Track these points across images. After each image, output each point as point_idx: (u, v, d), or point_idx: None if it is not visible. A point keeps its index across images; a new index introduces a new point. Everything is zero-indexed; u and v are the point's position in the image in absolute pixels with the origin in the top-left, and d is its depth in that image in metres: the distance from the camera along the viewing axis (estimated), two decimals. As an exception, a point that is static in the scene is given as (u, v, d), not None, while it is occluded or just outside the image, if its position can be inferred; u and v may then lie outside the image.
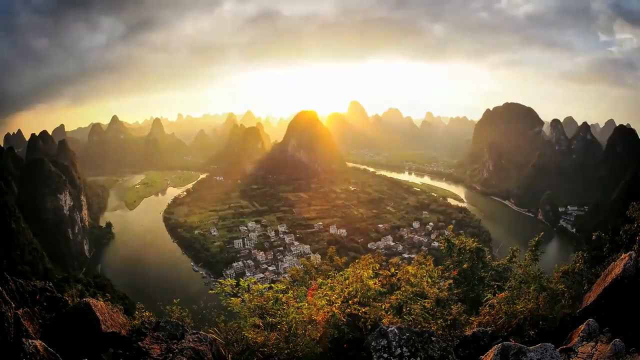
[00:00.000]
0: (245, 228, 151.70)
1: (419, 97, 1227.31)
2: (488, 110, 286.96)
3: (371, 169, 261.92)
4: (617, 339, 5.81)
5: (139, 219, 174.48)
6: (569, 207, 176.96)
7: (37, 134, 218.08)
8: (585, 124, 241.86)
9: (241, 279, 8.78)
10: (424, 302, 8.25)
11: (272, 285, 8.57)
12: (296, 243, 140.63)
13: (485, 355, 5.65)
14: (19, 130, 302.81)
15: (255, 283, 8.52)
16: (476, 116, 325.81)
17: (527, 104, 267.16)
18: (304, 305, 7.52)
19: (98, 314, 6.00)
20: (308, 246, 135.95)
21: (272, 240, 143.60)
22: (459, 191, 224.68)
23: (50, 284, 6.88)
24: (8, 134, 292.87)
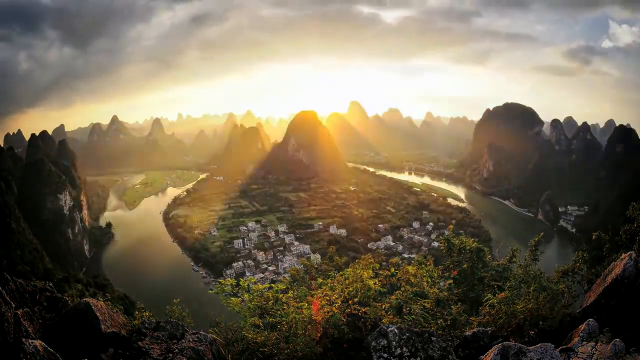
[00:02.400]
0: (245, 228, 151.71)
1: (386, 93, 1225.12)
2: (488, 110, 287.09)
3: (371, 169, 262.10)
4: (617, 339, 5.81)
5: (139, 219, 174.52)
6: (569, 207, 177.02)
7: (37, 134, 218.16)
8: (585, 124, 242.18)
9: (241, 279, 8.77)
10: (424, 302, 8.25)
11: (272, 285, 8.58)
12: (296, 243, 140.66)
13: (485, 355, 5.65)
14: (19, 130, 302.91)
15: (255, 283, 8.52)
16: (476, 116, 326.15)
17: (516, 101, 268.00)
18: (304, 305, 7.52)
19: (98, 314, 6.00)
20: (308, 246, 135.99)
21: (272, 240, 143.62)
22: (459, 191, 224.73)
23: (50, 284, 6.87)
24: (8, 134, 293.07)
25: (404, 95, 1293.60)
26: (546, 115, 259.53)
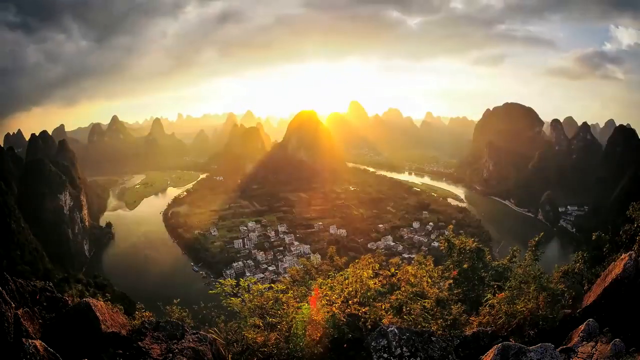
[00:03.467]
0: (245, 228, 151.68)
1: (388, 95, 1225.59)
2: (488, 110, 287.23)
3: (371, 169, 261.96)
4: (617, 339, 5.80)
5: (139, 219, 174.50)
6: (569, 207, 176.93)
7: (37, 134, 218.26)
8: (585, 124, 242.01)
9: (241, 279, 8.78)
10: (424, 302, 8.25)
11: (272, 285, 8.58)
12: (296, 243, 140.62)
13: (485, 355, 5.65)
14: (19, 130, 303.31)
15: (255, 283, 8.53)
16: (476, 116, 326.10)
17: (520, 102, 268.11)
18: (304, 305, 7.52)
19: (98, 314, 6.00)
20: (308, 246, 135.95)
21: (272, 240, 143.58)
22: (459, 191, 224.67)
23: (50, 284, 6.88)
24: (8, 134, 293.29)
25: (410, 94, 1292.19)
26: (552, 116, 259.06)
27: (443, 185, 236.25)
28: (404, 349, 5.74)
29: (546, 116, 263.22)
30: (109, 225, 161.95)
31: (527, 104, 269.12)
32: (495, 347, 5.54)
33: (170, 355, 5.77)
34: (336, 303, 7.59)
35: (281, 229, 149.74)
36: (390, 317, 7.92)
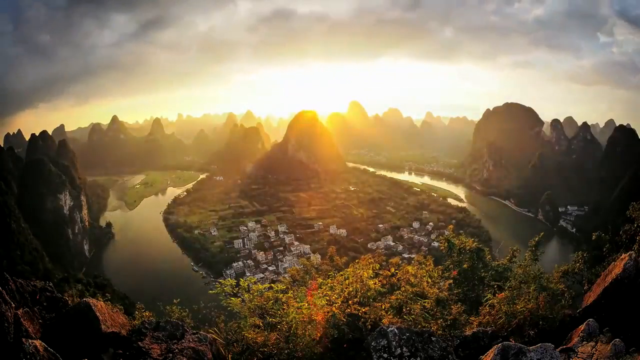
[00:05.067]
0: (245, 228, 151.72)
1: (423, 97, 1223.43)
2: (488, 110, 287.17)
3: (371, 169, 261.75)
4: (617, 339, 5.81)
5: (139, 219, 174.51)
6: (569, 207, 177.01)
7: (37, 134, 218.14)
8: (585, 124, 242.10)
9: (241, 279, 8.77)
10: (424, 302, 8.25)
11: (272, 285, 8.57)
12: (296, 243, 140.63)
13: (485, 355, 5.65)
14: (19, 130, 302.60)
15: (255, 283, 8.52)
16: (476, 116, 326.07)
17: (530, 104, 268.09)
18: (304, 305, 7.52)
19: (98, 314, 6.00)
20: (308, 246, 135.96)
21: (272, 240, 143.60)
22: (459, 191, 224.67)
23: (50, 284, 6.88)
24: (8, 134, 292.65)
25: (405, 95, 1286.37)
26: (553, 116, 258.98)
27: (443, 185, 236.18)
28: (404, 349, 5.75)
29: (546, 117, 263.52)
30: (109, 225, 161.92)
31: (527, 104, 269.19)
32: (495, 347, 5.54)
33: (170, 355, 5.77)
34: (336, 303, 7.59)
35: (281, 229, 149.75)
36: (390, 317, 7.92)
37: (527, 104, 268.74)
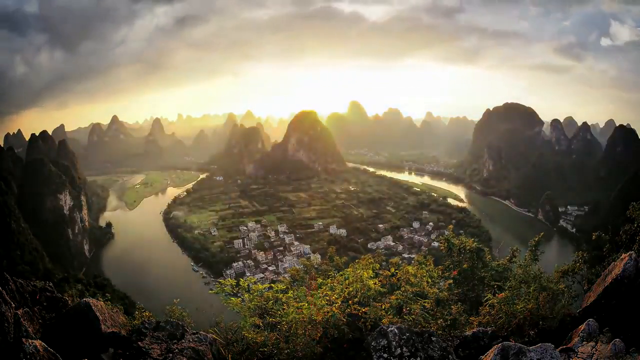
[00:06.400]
0: (245, 228, 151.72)
1: (439, 98, 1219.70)
2: (488, 110, 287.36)
3: (371, 169, 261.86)
4: (617, 339, 5.81)
5: (139, 219, 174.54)
6: (569, 207, 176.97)
7: (37, 134, 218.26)
8: (585, 124, 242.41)
9: (241, 279, 8.77)
10: (424, 302, 8.25)
11: (272, 285, 8.58)
12: (296, 243, 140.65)
13: (485, 355, 5.65)
14: (19, 130, 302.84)
15: (255, 283, 8.53)
16: (476, 116, 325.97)
17: (516, 101, 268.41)
18: (304, 305, 7.52)
19: (98, 314, 6.00)
20: (308, 246, 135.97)
21: (272, 240, 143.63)
22: (459, 191, 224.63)
23: (50, 284, 6.88)
24: (8, 134, 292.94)
25: (403, 96, 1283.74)
26: (544, 114, 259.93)
27: (443, 185, 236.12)
28: (404, 349, 5.75)
29: (545, 116, 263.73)
30: (109, 225, 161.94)
31: (526, 104, 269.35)
32: (495, 347, 5.54)
33: (170, 355, 5.77)
34: (336, 303, 7.58)
35: (281, 229, 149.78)
36: (390, 317, 7.92)
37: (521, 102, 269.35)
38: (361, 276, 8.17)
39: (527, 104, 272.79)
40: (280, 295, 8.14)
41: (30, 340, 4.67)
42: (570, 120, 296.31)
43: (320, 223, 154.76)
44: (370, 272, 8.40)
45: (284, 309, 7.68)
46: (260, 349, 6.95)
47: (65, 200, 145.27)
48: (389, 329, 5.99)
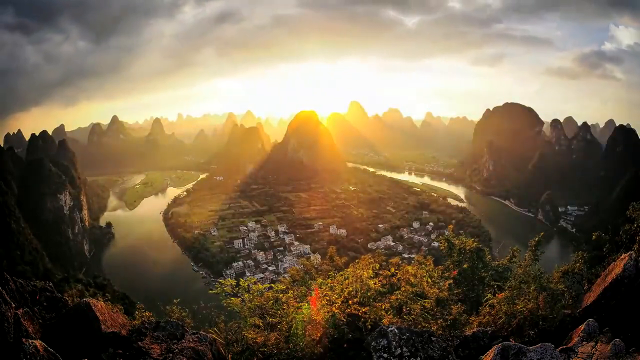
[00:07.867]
0: (245, 228, 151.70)
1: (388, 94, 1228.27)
2: (488, 110, 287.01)
3: (371, 169, 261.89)
4: (617, 339, 5.81)
5: (139, 219, 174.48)
6: (569, 207, 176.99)
7: (37, 134, 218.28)
8: (585, 124, 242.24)
9: (241, 279, 8.79)
10: (424, 302, 8.25)
11: (272, 285, 8.59)
12: (296, 243, 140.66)
13: (485, 355, 5.65)
14: (19, 130, 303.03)
15: (255, 283, 8.54)
16: (476, 116, 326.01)
17: (521, 102, 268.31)
18: (304, 305, 7.53)
19: (98, 314, 6.00)
20: (308, 246, 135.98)
21: (272, 240, 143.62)
22: (459, 191, 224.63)
23: (50, 284, 6.88)
24: (8, 134, 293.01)
25: (410, 94, 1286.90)
26: (550, 116, 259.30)
27: (443, 185, 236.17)
28: (404, 349, 5.74)
29: (546, 116, 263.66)
30: (109, 225, 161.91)
31: (527, 104, 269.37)
32: (495, 347, 5.54)
33: (170, 355, 5.77)
34: (336, 303, 7.59)
35: (281, 229, 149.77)
36: (390, 317, 7.92)
37: (520, 102, 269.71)
38: (361, 276, 8.17)
39: (537, 107, 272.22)
40: (280, 295, 8.15)
41: (30, 340, 4.66)
42: (570, 120, 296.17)
43: (320, 223, 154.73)
44: (370, 272, 8.40)
45: (284, 309, 7.69)
46: (260, 349, 6.96)
47: (65, 200, 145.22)
48: (389, 329, 5.99)
